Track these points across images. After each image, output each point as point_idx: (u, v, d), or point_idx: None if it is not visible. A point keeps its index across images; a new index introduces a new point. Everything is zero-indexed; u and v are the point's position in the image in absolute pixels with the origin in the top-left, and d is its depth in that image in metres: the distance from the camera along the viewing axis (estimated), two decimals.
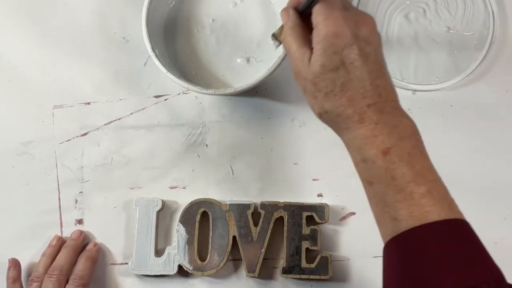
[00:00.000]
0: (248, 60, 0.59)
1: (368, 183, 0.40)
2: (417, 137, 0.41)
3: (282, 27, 0.46)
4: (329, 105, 0.40)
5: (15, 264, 0.58)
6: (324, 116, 0.42)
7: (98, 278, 0.59)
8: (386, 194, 0.39)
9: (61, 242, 0.59)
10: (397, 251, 0.39)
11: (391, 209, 0.39)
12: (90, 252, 0.58)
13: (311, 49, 0.41)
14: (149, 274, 0.58)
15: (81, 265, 0.57)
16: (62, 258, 0.57)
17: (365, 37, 0.40)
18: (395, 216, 0.38)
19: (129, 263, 0.58)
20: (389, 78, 0.41)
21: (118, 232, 0.60)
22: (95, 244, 0.59)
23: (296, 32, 0.42)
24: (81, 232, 0.60)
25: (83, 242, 0.59)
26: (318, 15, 0.41)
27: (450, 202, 0.39)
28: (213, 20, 0.60)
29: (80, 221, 0.61)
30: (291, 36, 0.42)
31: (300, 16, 0.44)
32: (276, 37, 0.48)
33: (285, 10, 0.44)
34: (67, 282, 0.56)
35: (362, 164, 0.40)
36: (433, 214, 0.37)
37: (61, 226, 0.61)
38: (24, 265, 0.59)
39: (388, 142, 0.39)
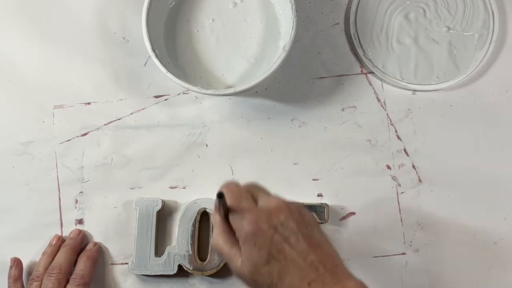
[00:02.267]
0: (248, 60, 0.59)
1: None
2: None
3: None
4: None
5: (17, 263, 0.58)
6: None
7: (98, 278, 0.60)
8: None
9: (61, 241, 0.59)
10: None
11: None
12: (91, 252, 0.58)
13: (239, 250, 0.43)
14: (149, 274, 0.58)
15: (82, 264, 0.57)
16: (61, 257, 0.57)
17: (282, 222, 0.43)
18: None
19: (129, 263, 0.58)
20: (324, 246, 0.43)
21: (118, 232, 0.60)
22: (95, 244, 0.59)
23: (223, 236, 0.44)
24: (80, 231, 0.60)
25: (82, 240, 0.59)
26: (233, 221, 0.44)
27: None
28: (213, 20, 0.60)
29: (80, 221, 0.61)
30: (219, 240, 0.44)
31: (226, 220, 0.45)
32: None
33: (213, 215, 0.48)
34: (67, 281, 0.56)
35: None
36: None
37: (61, 226, 0.61)
38: (24, 265, 0.59)
39: None
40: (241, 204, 0.44)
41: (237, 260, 0.43)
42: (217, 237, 0.45)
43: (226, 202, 0.43)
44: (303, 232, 0.43)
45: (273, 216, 0.43)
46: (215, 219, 0.46)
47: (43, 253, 0.58)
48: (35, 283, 0.56)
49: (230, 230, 0.44)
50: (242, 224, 0.43)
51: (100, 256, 0.60)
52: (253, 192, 0.46)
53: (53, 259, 0.57)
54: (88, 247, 0.59)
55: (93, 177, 0.61)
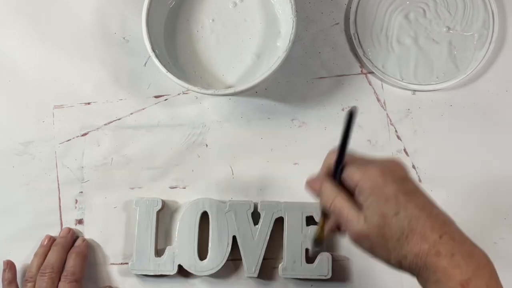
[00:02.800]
0: (248, 60, 0.59)
1: None
2: (491, 267, 0.40)
3: (321, 227, 0.47)
4: (405, 249, 0.40)
5: (10, 266, 0.58)
6: (404, 263, 0.40)
7: (98, 278, 0.60)
8: None
9: (52, 241, 0.59)
10: None
11: None
12: (79, 248, 0.58)
13: (361, 207, 0.41)
14: (149, 274, 0.58)
15: (72, 261, 0.57)
16: (53, 256, 0.57)
17: (403, 177, 0.42)
18: None
19: (129, 263, 0.58)
20: (439, 206, 0.42)
21: (118, 232, 0.60)
22: (83, 240, 0.59)
23: (343, 195, 0.42)
24: (70, 229, 0.60)
25: (72, 239, 0.60)
26: (354, 175, 0.42)
27: None
28: (213, 20, 0.60)
29: (80, 221, 0.61)
30: (340, 200, 0.42)
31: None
32: (317, 241, 0.48)
33: (318, 180, 0.45)
34: (60, 279, 0.56)
35: None
36: None
37: (61, 226, 0.61)
38: (24, 265, 0.59)
39: (466, 274, 0.38)
40: (357, 160, 0.43)
41: (360, 218, 0.41)
42: (334, 198, 0.43)
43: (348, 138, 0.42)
44: (421, 188, 0.42)
45: (395, 171, 0.42)
46: (328, 182, 0.44)
47: (35, 254, 0.58)
48: (29, 284, 0.56)
49: (344, 189, 0.43)
50: (366, 176, 0.41)
51: (100, 256, 0.60)
52: (363, 156, 0.45)
53: (45, 259, 0.57)
54: (76, 243, 0.59)
55: (93, 177, 0.61)
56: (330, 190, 0.43)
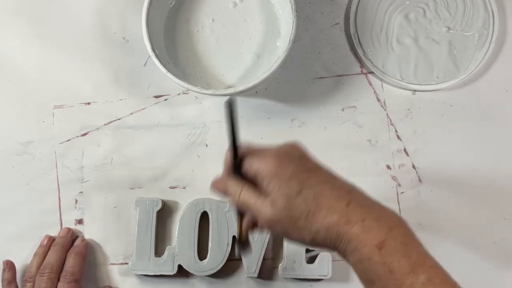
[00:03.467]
0: (248, 60, 0.59)
1: (368, 282, 0.39)
2: (404, 225, 0.40)
3: (239, 227, 0.47)
4: (316, 225, 0.40)
5: (9, 266, 0.58)
6: (318, 238, 0.40)
7: (98, 278, 0.60)
8: None
9: (51, 241, 0.59)
10: None
11: None
12: (79, 248, 0.58)
13: (265, 193, 0.41)
14: (149, 274, 0.58)
15: (71, 261, 0.57)
16: (52, 256, 0.57)
17: (300, 156, 0.42)
18: None
19: (129, 263, 0.58)
20: (343, 178, 0.43)
21: (118, 232, 0.60)
22: (83, 239, 0.59)
23: (247, 187, 0.43)
24: (69, 229, 0.60)
25: (71, 239, 0.60)
26: (252, 164, 0.42)
27: (452, 285, 0.38)
28: (213, 20, 0.60)
29: (80, 221, 0.61)
30: (246, 193, 0.43)
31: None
32: (240, 242, 0.48)
33: (221, 180, 0.45)
34: (59, 279, 0.56)
35: (360, 264, 0.39)
36: None
37: (61, 226, 0.61)
38: (24, 265, 0.59)
39: (379, 236, 0.38)
40: (253, 150, 0.43)
41: (267, 206, 0.41)
42: (239, 193, 0.43)
43: (235, 121, 0.42)
44: (321, 163, 0.43)
45: (291, 152, 0.42)
46: (230, 179, 0.44)
47: (35, 254, 0.58)
48: (28, 284, 0.56)
49: (248, 182, 0.43)
50: (264, 163, 0.41)
51: (100, 256, 0.60)
52: (260, 146, 0.45)
53: (44, 259, 0.57)
54: (75, 243, 0.59)
55: (93, 177, 0.61)
56: (235, 186, 0.43)
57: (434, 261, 0.39)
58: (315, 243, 0.41)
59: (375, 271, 0.38)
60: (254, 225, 0.45)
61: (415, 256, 0.38)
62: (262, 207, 0.41)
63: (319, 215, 0.40)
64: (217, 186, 0.46)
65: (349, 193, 0.41)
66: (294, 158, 0.42)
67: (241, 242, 0.48)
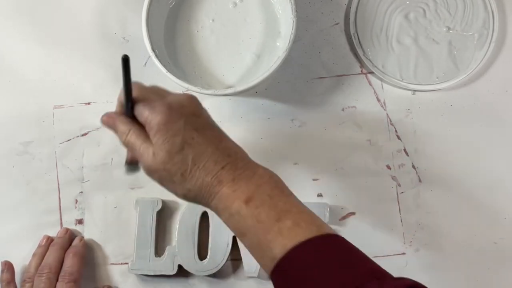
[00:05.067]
0: (248, 60, 0.59)
1: (241, 235, 0.42)
2: (275, 179, 0.43)
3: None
4: (189, 184, 0.42)
5: (8, 266, 0.58)
6: (189, 195, 0.43)
7: (98, 278, 0.60)
8: (259, 240, 0.41)
9: (50, 242, 0.59)
10: (281, 278, 0.40)
11: (267, 251, 0.40)
12: (77, 248, 0.58)
13: (151, 142, 0.43)
14: (149, 274, 0.58)
15: (69, 261, 0.57)
16: (50, 256, 0.57)
17: (193, 112, 0.44)
18: (273, 255, 0.40)
19: (129, 263, 0.58)
20: (229, 137, 0.45)
21: (118, 232, 0.60)
22: (81, 239, 0.59)
23: (135, 131, 0.44)
24: (67, 229, 0.60)
25: (70, 239, 0.59)
26: (143, 112, 0.43)
27: (319, 225, 0.41)
28: (213, 20, 0.60)
29: (80, 221, 0.61)
30: (132, 135, 0.44)
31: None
32: (129, 165, 0.49)
33: (112, 117, 0.46)
34: (58, 279, 0.56)
35: (231, 219, 0.42)
36: (303, 238, 0.39)
37: (61, 226, 0.61)
38: (24, 265, 0.59)
39: (247, 192, 0.41)
40: (149, 96, 0.44)
41: (149, 153, 0.42)
42: (127, 134, 0.44)
43: (129, 81, 0.43)
44: (212, 123, 0.45)
45: (185, 106, 0.43)
46: (121, 119, 0.45)
47: (33, 255, 0.58)
48: (27, 285, 0.56)
49: (139, 124, 0.44)
50: (154, 113, 0.42)
51: (100, 256, 0.60)
52: (159, 90, 0.46)
53: (43, 259, 0.57)
54: (74, 243, 0.59)
55: (93, 177, 0.61)
56: (123, 127, 0.44)
57: (302, 208, 0.42)
58: (187, 198, 0.44)
59: (245, 223, 0.41)
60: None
61: (282, 205, 0.41)
62: (145, 153, 0.43)
63: (194, 175, 0.42)
64: (107, 121, 0.47)
65: (229, 157, 0.43)
66: (185, 113, 0.43)
67: (130, 165, 0.48)
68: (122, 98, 0.44)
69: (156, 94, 0.45)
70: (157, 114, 0.42)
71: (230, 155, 0.43)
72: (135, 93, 0.44)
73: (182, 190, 0.43)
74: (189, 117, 0.43)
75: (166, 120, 0.42)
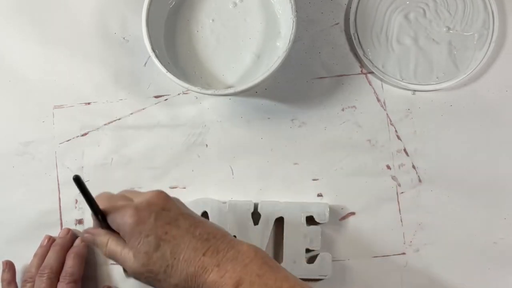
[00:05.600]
0: (248, 60, 0.59)
1: None
2: (261, 255, 0.42)
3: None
4: (174, 279, 0.42)
5: (9, 266, 0.58)
6: None
7: (98, 278, 0.60)
8: None
9: (51, 242, 0.59)
10: None
11: None
12: (78, 248, 0.58)
13: (129, 248, 0.44)
14: None
15: (70, 261, 0.57)
16: (52, 257, 0.57)
17: (162, 207, 0.44)
18: None
19: None
20: (205, 222, 0.45)
21: None
22: (82, 240, 0.59)
23: (113, 240, 0.45)
24: (69, 230, 0.60)
25: (71, 239, 0.59)
26: (114, 220, 0.45)
27: None
28: (213, 20, 0.60)
29: (80, 221, 0.61)
30: (112, 244, 0.45)
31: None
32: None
33: (89, 233, 0.48)
34: (59, 280, 0.56)
35: None
36: None
37: (61, 226, 0.61)
38: (24, 266, 0.59)
39: (235, 275, 0.40)
40: (117, 204, 0.46)
41: (130, 258, 0.43)
42: (106, 244, 0.45)
43: (87, 190, 0.45)
44: (184, 212, 0.45)
45: (152, 204, 0.44)
46: (98, 231, 0.46)
47: (35, 255, 0.58)
48: (28, 285, 0.56)
49: (115, 233, 0.45)
50: (124, 220, 0.43)
51: (100, 256, 0.60)
52: (126, 194, 0.47)
53: (44, 259, 0.57)
54: (75, 244, 0.59)
55: (93, 177, 0.61)
56: (102, 238, 0.46)
57: (293, 281, 0.41)
58: None
59: None
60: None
61: (272, 283, 0.40)
62: (126, 259, 0.44)
63: (177, 268, 0.42)
64: (87, 237, 0.48)
65: (208, 241, 0.42)
66: (154, 211, 0.43)
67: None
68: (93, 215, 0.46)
69: (124, 199, 0.46)
70: (127, 219, 0.43)
71: (209, 239, 0.43)
72: (102, 205, 0.45)
73: (169, 286, 0.43)
74: (159, 212, 0.43)
75: (136, 222, 0.43)
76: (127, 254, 0.44)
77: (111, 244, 0.45)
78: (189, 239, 0.42)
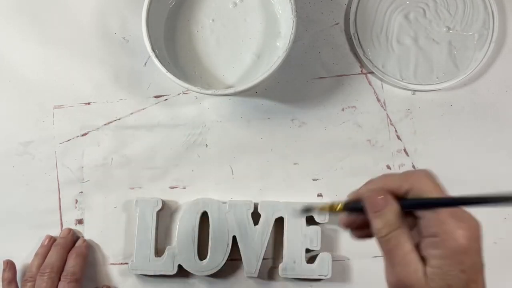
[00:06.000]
0: (248, 60, 0.59)
1: None
2: None
3: (331, 206, 0.40)
4: None
5: (10, 265, 0.58)
6: None
7: (98, 278, 0.60)
8: None
9: (52, 241, 0.59)
10: None
11: None
12: (80, 249, 0.58)
13: (425, 258, 0.35)
14: (149, 274, 0.58)
15: (72, 261, 0.57)
16: (53, 256, 0.57)
17: (480, 247, 0.35)
18: None
19: (129, 263, 0.58)
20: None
21: (118, 232, 0.60)
22: (84, 240, 0.59)
23: (405, 232, 0.36)
24: (70, 230, 0.60)
25: (72, 239, 0.60)
26: (443, 222, 0.34)
27: None
28: (213, 20, 0.60)
29: (80, 221, 0.61)
30: (401, 236, 0.36)
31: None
32: (308, 210, 0.44)
33: (380, 195, 0.37)
34: (60, 279, 0.56)
35: None
36: None
37: (61, 226, 0.61)
38: (24, 265, 0.59)
39: None
40: (458, 213, 0.36)
41: (417, 269, 0.35)
42: (394, 229, 0.36)
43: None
44: (483, 263, 0.36)
45: (479, 239, 0.35)
46: (392, 205, 0.36)
47: (35, 254, 0.58)
48: (28, 284, 0.56)
49: (405, 224, 0.37)
50: (457, 234, 0.34)
51: (100, 256, 0.60)
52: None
53: (45, 259, 0.57)
54: (77, 244, 0.59)
55: (93, 177, 0.61)
56: (394, 218, 0.36)
57: None
58: None
59: None
60: (353, 227, 0.39)
61: None
62: (410, 265, 0.35)
63: None
64: (369, 195, 0.37)
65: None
66: (479, 250, 0.35)
67: (307, 210, 0.42)
68: (408, 183, 0.36)
69: (452, 207, 0.36)
70: (460, 237, 0.34)
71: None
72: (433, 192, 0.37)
73: None
74: (480, 254, 0.35)
75: (464, 250, 0.34)
76: (415, 261, 0.35)
77: (401, 234, 0.36)
78: (482, 278, 0.35)
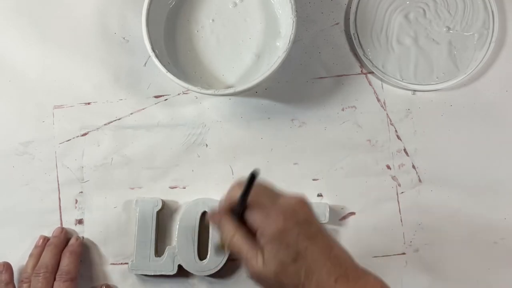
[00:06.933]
0: (248, 60, 0.59)
1: None
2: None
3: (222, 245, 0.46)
4: None
5: (6, 267, 0.58)
6: None
7: (98, 278, 0.60)
8: None
9: (46, 242, 0.59)
10: None
11: None
12: (73, 247, 0.58)
13: (261, 249, 0.41)
14: (149, 274, 0.58)
15: (66, 260, 0.57)
16: (46, 256, 0.57)
17: (306, 219, 0.42)
18: None
19: (129, 263, 0.58)
20: (337, 243, 0.43)
21: (118, 232, 0.60)
22: (77, 238, 0.59)
23: (242, 234, 0.43)
24: (63, 228, 0.60)
25: (65, 238, 0.59)
26: (255, 218, 0.42)
27: None
28: (213, 20, 0.60)
29: (80, 221, 0.61)
30: (239, 238, 0.43)
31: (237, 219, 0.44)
32: (219, 247, 0.51)
33: (219, 214, 0.45)
34: (55, 279, 0.56)
35: None
36: None
37: (61, 226, 0.61)
38: (22, 266, 0.59)
39: None
40: (261, 200, 0.43)
41: (257, 261, 0.41)
42: (233, 235, 0.43)
43: (247, 195, 0.42)
44: (322, 229, 0.43)
45: (297, 213, 0.42)
46: (228, 218, 0.44)
47: (30, 255, 0.58)
48: (24, 285, 0.56)
49: (247, 228, 0.43)
50: (268, 221, 0.41)
51: (100, 256, 0.60)
52: (270, 192, 0.45)
53: (39, 259, 0.57)
54: (70, 242, 0.59)
55: (93, 177, 0.61)
56: (229, 227, 0.43)
57: None
58: None
59: None
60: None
61: None
62: (253, 259, 0.41)
63: None
64: (213, 218, 0.47)
65: (340, 267, 0.41)
66: (299, 222, 0.42)
67: (220, 249, 0.49)
68: (235, 196, 0.43)
69: (268, 196, 0.44)
70: (271, 222, 0.41)
71: (341, 265, 0.41)
72: (237, 194, 0.43)
73: None
74: (303, 225, 0.41)
75: (281, 230, 0.41)
76: (255, 254, 0.41)
77: (238, 238, 0.42)
78: (324, 260, 0.40)
